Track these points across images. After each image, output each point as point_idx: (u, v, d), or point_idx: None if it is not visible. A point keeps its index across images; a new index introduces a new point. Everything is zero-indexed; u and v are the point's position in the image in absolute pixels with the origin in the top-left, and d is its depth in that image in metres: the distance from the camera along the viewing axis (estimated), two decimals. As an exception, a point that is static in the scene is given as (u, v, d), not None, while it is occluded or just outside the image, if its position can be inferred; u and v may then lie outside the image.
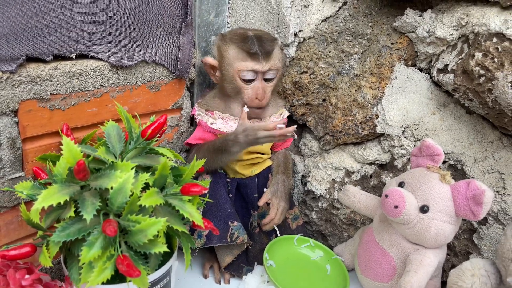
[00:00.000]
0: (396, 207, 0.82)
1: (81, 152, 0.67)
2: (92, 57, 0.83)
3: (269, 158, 1.15)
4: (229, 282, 1.02)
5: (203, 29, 1.07)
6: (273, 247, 1.05)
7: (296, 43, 1.16)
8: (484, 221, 0.94)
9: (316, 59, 1.14)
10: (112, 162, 0.70)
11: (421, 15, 0.98)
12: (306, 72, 1.16)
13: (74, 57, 0.80)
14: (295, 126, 0.93)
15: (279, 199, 1.05)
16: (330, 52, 1.12)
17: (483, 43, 0.84)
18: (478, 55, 0.85)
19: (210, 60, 1.05)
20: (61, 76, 0.78)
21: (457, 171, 0.99)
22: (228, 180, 1.08)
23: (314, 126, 1.22)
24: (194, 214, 0.72)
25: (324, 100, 1.18)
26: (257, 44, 0.98)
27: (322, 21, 1.13)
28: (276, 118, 1.09)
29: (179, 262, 0.84)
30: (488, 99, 0.85)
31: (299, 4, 1.12)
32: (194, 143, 1.06)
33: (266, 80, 1.03)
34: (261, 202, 1.05)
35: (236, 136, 0.96)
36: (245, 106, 1.01)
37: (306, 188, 1.23)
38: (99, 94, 0.86)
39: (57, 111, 0.80)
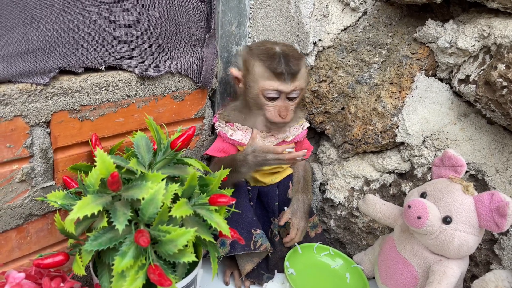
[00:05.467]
0: (419, 217, 0.83)
1: (114, 163, 0.69)
2: (120, 69, 0.85)
3: (290, 166, 1.16)
4: None
5: (225, 39, 1.08)
6: (293, 255, 1.06)
7: (316, 52, 1.18)
8: (505, 232, 0.94)
9: (335, 68, 1.15)
10: (143, 173, 0.72)
11: (442, 26, 0.98)
12: (325, 81, 1.17)
13: (103, 69, 0.82)
14: (305, 150, 0.95)
15: (299, 219, 1.07)
16: (349, 61, 1.13)
17: (505, 55, 0.85)
18: (501, 66, 0.85)
19: (234, 72, 1.04)
20: (91, 88, 0.80)
21: (478, 181, 0.99)
22: (249, 188, 1.09)
23: (332, 134, 1.23)
24: (221, 224, 0.73)
25: (343, 108, 1.18)
26: (283, 63, 0.96)
27: (342, 30, 1.14)
28: (295, 130, 1.10)
29: (202, 270, 0.85)
30: (510, 111, 0.85)
31: (318, 13, 1.14)
32: (214, 155, 1.07)
33: (289, 98, 1.02)
34: (282, 222, 1.06)
35: (245, 156, 0.96)
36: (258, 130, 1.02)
37: (324, 196, 1.24)
38: (126, 105, 0.88)
39: (87, 122, 0.82)
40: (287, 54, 0.98)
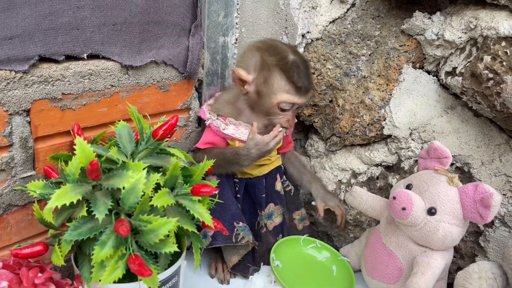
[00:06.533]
0: (403, 209, 0.83)
1: (94, 152, 0.68)
2: (103, 58, 0.84)
3: (278, 159, 1.16)
4: (228, 283, 1.02)
5: (212, 30, 1.07)
6: (279, 248, 1.05)
7: (304, 44, 1.17)
8: (490, 224, 0.94)
9: (324, 60, 1.15)
10: (124, 162, 0.71)
11: (429, 18, 0.98)
12: (314, 73, 1.17)
13: (85, 57, 0.81)
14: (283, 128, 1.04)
15: (331, 200, 1.13)
16: (337, 53, 1.13)
17: (491, 47, 0.85)
18: (487, 58, 0.85)
19: (242, 74, 0.99)
20: (73, 76, 0.79)
21: (464, 174, 0.99)
22: (236, 180, 1.08)
23: (320, 127, 1.22)
24: (204, 214, 0.72)
25: (331, 101, 1.18)
26: (303, 77, 0.97)
27: (330, 22, 1.13)
28: None
29: (187, 262, 0.84)
30: (496, 103, 0.85)
31: (307, 5, 1.13)
32: (204, 148, 1.06)
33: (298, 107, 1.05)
34: (321, 214, 1.13)
35: (248, 150, 0.99)
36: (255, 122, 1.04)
37: (312, 189, 1.23)
38: (110, 94, 0.87)
39: (68, 111, 0.81)
40: (302, 64, 0.98)
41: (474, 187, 0.81)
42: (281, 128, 1.02)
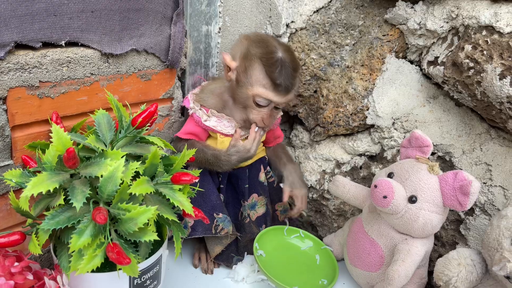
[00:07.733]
0: (385, 197, 0.83)
1: (71, 140, 0.67)
2: (82, 45, 0.82)
3: (262, 150, 1.15)
4: (212, 273, 1.03)
5: (195, 18, 1.06)
6: (263, 237, 1.05)
7: (288, 34, 1.16)
8: (471, 212, 0.95)
9: (308, 50, 1.14)
10: (102, 150, 0.70)
11: (412, 7, 0.98)
12: (298, 63, 1.16)
13: (63, 44, 0.79)
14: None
15: (298, 189, 1.12)
16: (321, 43, 1.13)
17: (472, 36, 0.85)
18: (468, 47, 0.86)
19: (227, 59, 0.98)
20: (50, 64, 0.77)
21: (446, 163, 1.00)
22: (220, 171, 1.07)
23: (305, 118, 1.22)
24: (184, 203, 0.72)
25: (315, 91, 1.18)
26: (284, 75, 0.94)
27: (314, 12, 1.13)
28: None
29: (169, 252, 0.84)
30: (476, 92, 0.86)
31: (291, -6, 1.12)
32: (185, 138, 1.05)
33: (276, 107, 1.03)
34: (285, 199, 1.11)
35: (229, 157, 1.01)
36: (239, 128, 1.04)
37: (296, 179, 1.23)
38: (89, 83, 0.85)
39: (47, 99, 0.79)
40: (289, 63, 0.96)
41: (453, 175, 0.82)
42: (257, 128, 1.03)
